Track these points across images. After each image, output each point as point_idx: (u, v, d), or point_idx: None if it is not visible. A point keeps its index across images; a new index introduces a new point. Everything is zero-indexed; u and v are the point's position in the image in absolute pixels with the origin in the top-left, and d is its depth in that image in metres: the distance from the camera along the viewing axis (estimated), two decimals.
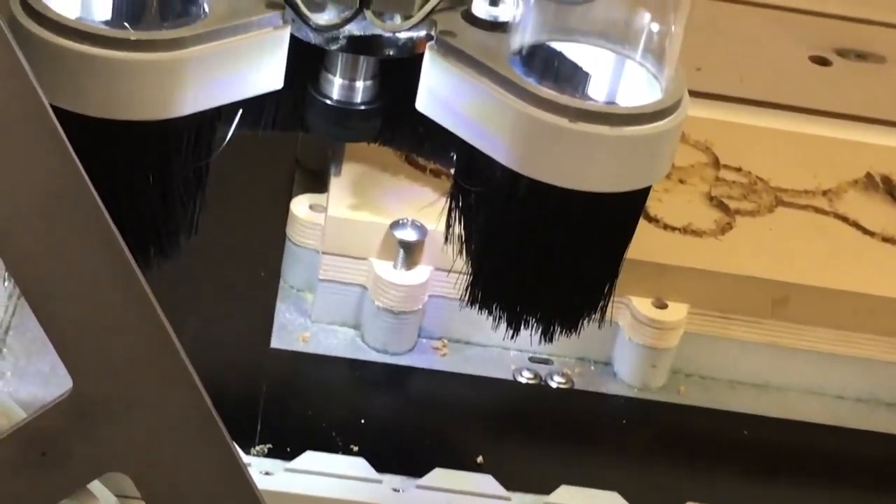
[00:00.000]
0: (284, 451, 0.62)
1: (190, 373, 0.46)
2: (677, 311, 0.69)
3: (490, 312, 0.60)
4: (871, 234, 0.74)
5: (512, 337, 0.60)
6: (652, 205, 0.72)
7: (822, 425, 0.70)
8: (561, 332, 0.60)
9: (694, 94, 0.57)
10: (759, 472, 0.67)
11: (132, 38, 0.52)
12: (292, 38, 0.56)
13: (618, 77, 0.57)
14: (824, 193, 0.77)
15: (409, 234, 0.68)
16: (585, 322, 0.59)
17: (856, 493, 0.67)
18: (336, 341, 0.69)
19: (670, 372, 0.70)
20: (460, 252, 0.61)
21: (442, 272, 0.67)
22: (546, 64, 0.56)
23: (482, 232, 0.59)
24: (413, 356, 0.69)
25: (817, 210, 0.75)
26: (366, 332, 0.69)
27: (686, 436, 0.68)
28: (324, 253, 0.69)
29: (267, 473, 0.60)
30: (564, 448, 0.66)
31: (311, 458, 0.61)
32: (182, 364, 0.46)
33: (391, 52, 0.57)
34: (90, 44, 0.51)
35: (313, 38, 0.56)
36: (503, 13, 0.57)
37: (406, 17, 0.56)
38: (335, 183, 0.70)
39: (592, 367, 0.71)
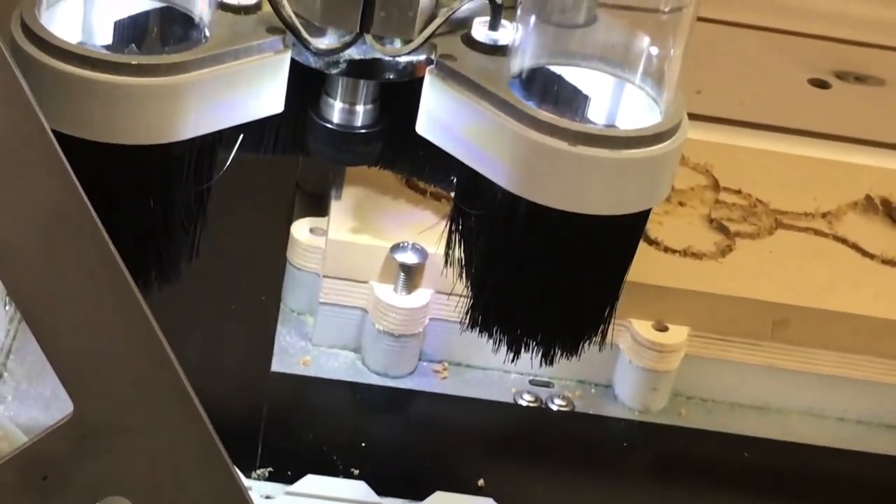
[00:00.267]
0: (285, 474, 0.62)
1: (191, 396, 0.46)
2: (678, 334, 0.69)
3: (490, 335, 0.60)
4: (871, 256, 0.74)
5: (512, 360, 0.60)
6: (652, 227, 0.72)
7: (823, 447, 0.70)
8: (561, 354, 0.59)
9: (693, 116, 0.57)
10: (761, 495, 0.67)
11: (133, 62, 0.52)
12: (293, 62, 0.56)
13: (617, 100, 0.57)
14: (824, 216, 0.77)
15: (409, 258, 0.68)
16: (586, 345, 0.59)
17: None
18: (337, 364, 0.69)
19: (671, 394, 0.70)
20: (461, 275, 0.61)
21: (442, 295, 0.67)
22: (546, 87, 0.56)
23: (482, 255, 0.59)
24: (414, 379, 0.69)
25: (817, 232, 0.76)
26: (366, 356, 0.69)
27: (687, 458, 0.68)
28: (324, 276, 0.69)
29: (268, 497, 0.60)
30: (565, 471, 0.66)
31: (311, 482, 0.61)
32: (183, 387, 0.46)
33: (391, 76, 0.57)
34: (91, 68, 0.51)
35: (314, 62, 0.56)
36: (503, 37, 0.57)
37: (406, 42, 0.56)
38: (336, 206, 0.70)
39: (593, 390, 0.71)
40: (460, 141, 0.56)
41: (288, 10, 0.54)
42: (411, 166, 0.63)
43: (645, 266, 0.64)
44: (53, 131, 0.43)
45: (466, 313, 0.60)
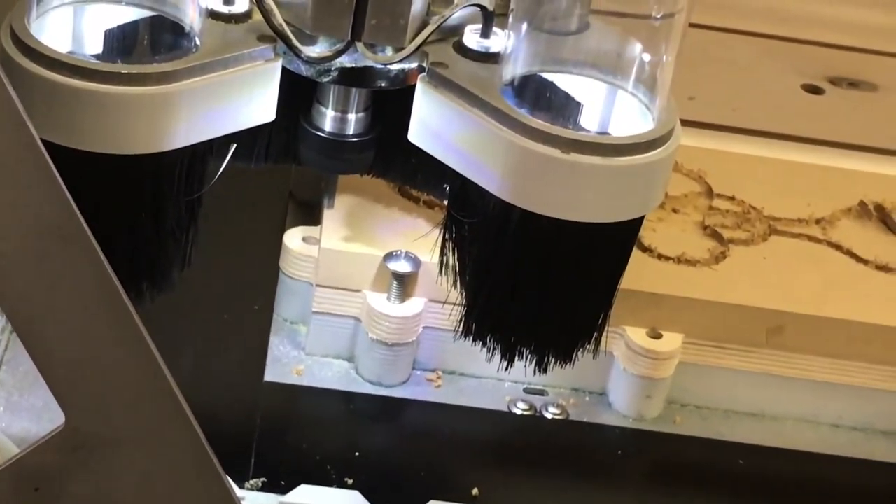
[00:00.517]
0: (279, 484, 0.61)
1: (183, 407, 0.46)
2: (672, 341, 0.69)
3: (484, 344, 0.59)
4: (865, 262, 0.74)
5: (506, 368, 0.60)
6: (646, 234, 0.72)
7: (818, 454, 0.69)
8: (555, 362, 0.59)
9: (687, 123, 0.57)
10: (756, 502, 0.66)
11: (123, 71, 0.52)
12: (284, 70, 0.56)
13: (610, 107, 0.57)
14: (818, 222, 0.77)
15: (402, 266, 0.68)
16: (580, 353, 0.59)
17: None
18: (330, 374, 0.69)
19: (666, 402, 0.70)
20: (454, 283, 0.60)
21: (436, 304, 0.67)
22: (538, 95, 0.56)
23: (476, 263, 0.59)
24: (407, 388, 0.69)
25: (811, 239, 0.75)
26: (360, 365, 0.69)
27: (682, 466, 0.68)
28: (317, 285, 0.69)
29: None
30: (560, 479, 0.66)
31: (305, 492, 0.60)
32: (175, 398, 0.46)
33: (383, 84, 0.57)
34: (81, 78, 0.51)
35: (305, 70, 0.56)
36: (495, 44, 0.57)
37: (398, 49, 0.56)
38: (328, 215, 0.70)
39: (587, 398, 0.71)
40: (452, 149, 0.56)
41: (279, 19, 0.54)
42: (404, 174, 0.63)
43: (639, 273, 0.64)
44: (44, 141, 0.43)
45: (460, 321, 0.60)
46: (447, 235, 0.60)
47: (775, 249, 0.74)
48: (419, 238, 0.67)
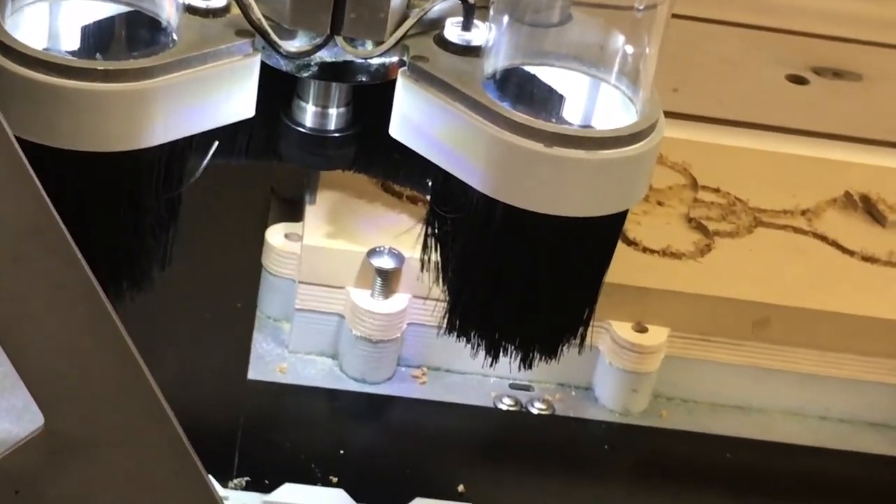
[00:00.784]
0: (263, 483, 0.61)
1: (164, 407, 0.46)
2: (658, 335, 0.68)
3: (469, 340, 0.59)
4: (851, 253, 0.74)
5: (491, 364, 0.60)
6: (630, 228, 0.72)
7: (805, 447, 0.69)
8: (540, 358, 0.59)
9: (671, 115, 0.57)
10: (743, 495, 0.66)
11: (100, 67, 0.51)
12: (264, 65, 0.55)
13: (593, 100, 0.56)
14: (803, 213, 0.76)
15: (386, 262, 0.67)
16: (565, 348, 0.59)
17: None
18: (314, 371, 0.69)
19: (652, 396, 0.70)
20: (437, 279, 0.60)
21: (420, 300, 0.66)
22: (520, 88, 0.56)
23: (459, 258, 0.58)
24: (392, 385, 0.69)
25: (796, 230, 0.75)
26: (344, 362, 0.69)
27: (669, 460, 0.68)
28: (300, 282, 0.68)
29: None
30: (546, 475, 0.66)
31: (289, 491, 0.60)
32: (155, 399, 0.46)
33: (363, 79, 0.56)
34: (58, 75, 0.51)
35: (284, 65, 0.56)
36: (476, 37, 0.56)
37: (378, 43, 0.55)
38: (310, 211, 0.70)
39: (573, 393, 0.70)
40: (434, 143, 0.55)
41: (257, 13, 0.53)
42: (386, 170, 0.63)
43: (624, 267, 0.64)
44: (19, 139, 0.42)
45: (444, 317, 0.59)
46: (430, 231, 0.60)
47: (761, 241, 0.74)
48: (402, 234, 0.66)
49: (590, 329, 0.59)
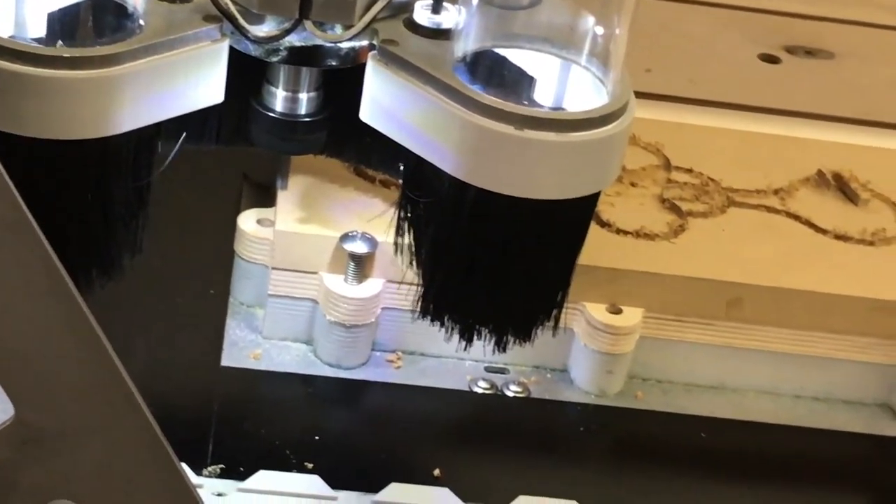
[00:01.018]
0: (237, 470, 0.61)
1: (135, 396, 0.45)
2: (632, 316, 0.68)
3: (443, 324, 0.59)
4: (824, 231, 0.74)
5: (465, 348, 0.59)
6: (604, 209, 0.71)
7: (779, 426, 0.69)
8: (514, 341, 0.59)
9: (644, 95, 0.57)
10: (719, 475, 0.67)
11: (66, 55, 0.51)
12: (233, 50, 0.55)
13: (564, 82, 0.56)
14: (776, 192, 0.76)
15: (359, 247, 0.67)
16: (539, 330, 0.59)
17: (816, 492, 0.67)
18: (288, 357, 0.69)
19: (627, 377, 0.70)
20: (411, 263, 0.60)
21: (394, 284, 0.66)
22: (491, 71, 0.55)
23: (432, 242, 0.58)
24: (367, 370, 0.68)
25: (769, 209, 0.75)
26: (318, 347, 0.69)
27: (645, 441, 0.68)
28: (273, 268, 0.68)
29: (220, 494, 0.59)
30: (522, 457, 0.66)
31: (264, 478, 0.60)
32: (126, 388, 0.45)
33: (333, 63, 0.56)
34: (23, 62, 0.50)
35: (253, 50, 0.55)
36: (446, 20, 0.56)
37: (347, 27, 0.55)
38: (282, 196, 0.69)
39: (549, 375, 0.70)
40: (405, 127, 0.55)
41: None
42: (358, 154, 0.62)
43: (597, 248, 0.64)
44: None
45: (418, 301, 0.59)
46: (402, 215, 0.59)
47: (734, 221, 0.74)
48: (375, 218, 0.66)
49: (564, 311, 0.59)
